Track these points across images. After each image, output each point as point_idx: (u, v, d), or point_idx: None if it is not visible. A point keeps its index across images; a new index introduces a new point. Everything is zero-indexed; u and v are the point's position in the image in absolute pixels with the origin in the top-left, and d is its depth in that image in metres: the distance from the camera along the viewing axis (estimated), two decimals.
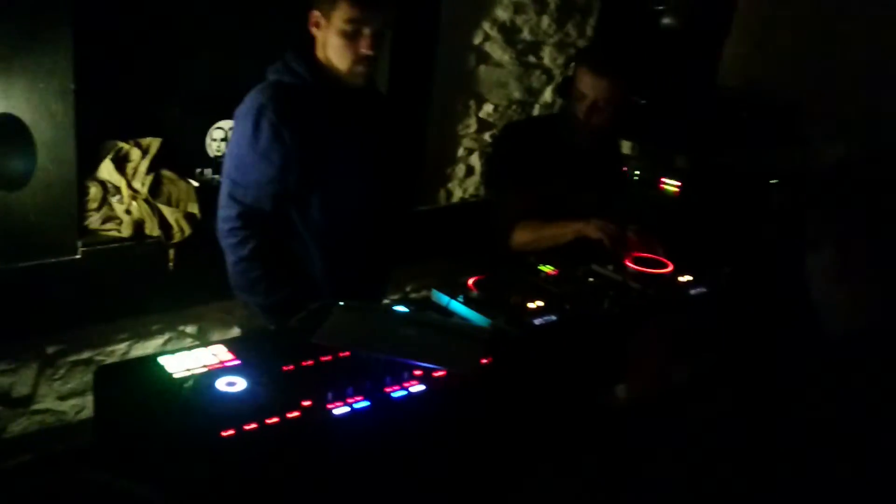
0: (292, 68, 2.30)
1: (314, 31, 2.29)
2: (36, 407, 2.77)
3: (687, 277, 2.61)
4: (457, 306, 2.26)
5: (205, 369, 1.80)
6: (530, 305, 2.27)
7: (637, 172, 3.76)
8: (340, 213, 2.38)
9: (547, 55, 3.83)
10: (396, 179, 2.60)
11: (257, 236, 2.30)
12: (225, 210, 2.32)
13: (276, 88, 2.29)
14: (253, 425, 1.62)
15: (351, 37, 2.22)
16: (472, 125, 3.71)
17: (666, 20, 3.11)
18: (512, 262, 2.66)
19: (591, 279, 2.52)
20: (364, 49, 2.23)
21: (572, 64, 2.86)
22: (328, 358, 1.91)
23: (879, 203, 1.51)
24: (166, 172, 2.81)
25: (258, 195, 2.29)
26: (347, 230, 2.41)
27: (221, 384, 1.73)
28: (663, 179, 3.75)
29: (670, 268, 2.65)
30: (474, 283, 2.34)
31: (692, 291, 2.55)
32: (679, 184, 3.73)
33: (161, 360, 1.82)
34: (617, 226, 2.72)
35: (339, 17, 2.21)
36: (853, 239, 1.51)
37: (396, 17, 2.38)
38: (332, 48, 2.26)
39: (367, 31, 2.21)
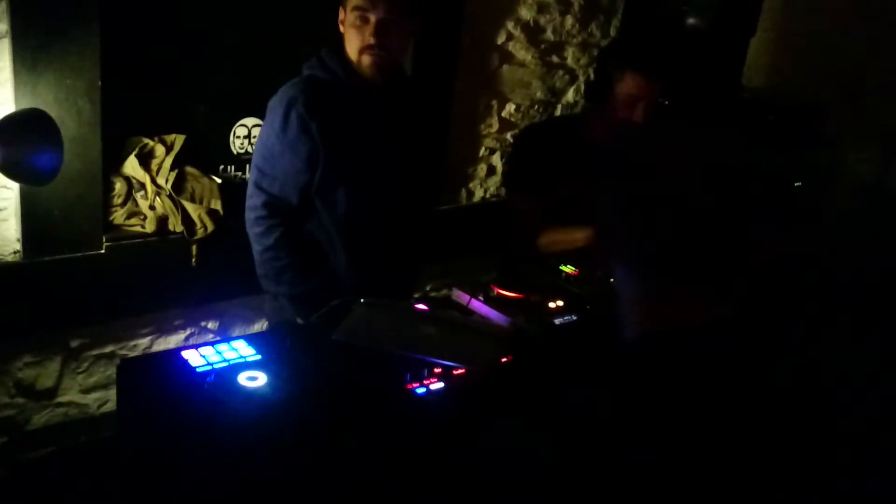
0: (326, 64, 2.32)
1: (341, 28, 2.32)
2: (60, 399, 2.80)
3: None
4: (477, 305, 2.26)
5: (227, 364, 1.81)
6: (551, 305, 2.26)
7: None
8: (366, 208, 2.39)
9: (570, 55, 3.81)
10: (423, 176, 2.60)
11: (283, 226, 2.32)
12: (252, 199, 2.36)
13: (308, 82, 2.33)
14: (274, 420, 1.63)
15: (358, 26, 2.24)
16: (495, 125, 3.71)
17: (691, 20, 3.09)
18: (531, 262, 2.65)
19: (611, 279, 2.51)
20: (368, 36, 2.23)
21: (610, 65, 2.81)
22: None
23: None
24: (190, 169, 2.83)
25: (284, 186, 2.32)
26: (373, 226, 2.42)
27: (242, 379, 1.74)
28: None
29: None
30: (495, 281, 2.34)
31: None
32: None
33: (184, 353, 1.84)
34: None
35: (349, 7, 2.25)
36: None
37: (420, 11, 2.33)
38: (347, 40, 2.29)
39: (372, 18, 2.22)
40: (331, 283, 2.35)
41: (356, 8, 2.23)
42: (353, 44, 2.27)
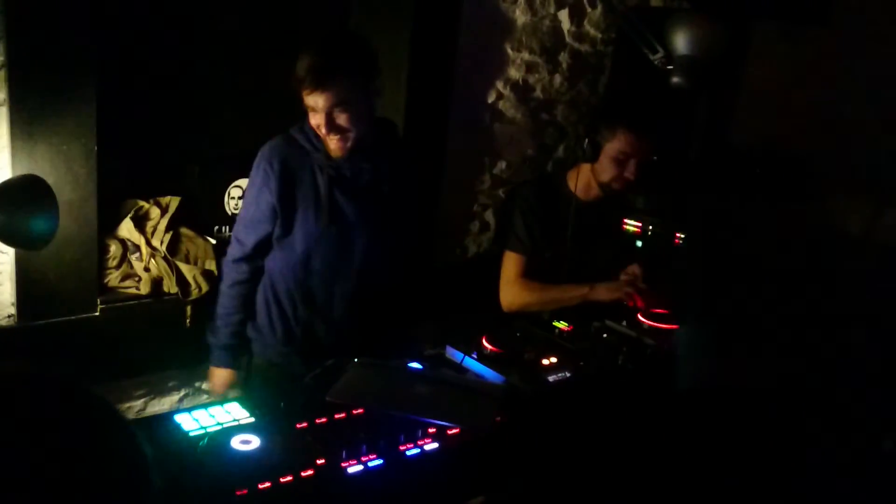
0: (304, 130, 2.39)
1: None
2: None
3: None
4: (471, 363, 2.27)
5: (220, 427, 1.81)
6: (544, 362, 2.27)
7: (651, 227, 3.78)
8: (324, 268, 2.45)
9: (560, 113, 3.88)
10: (398, 241, 2.58)
11: (242, 274, 2.49)
12: (230, 246, 2.55)
13: (284, 141, 2.41)
14: (267, 484, 1.62)
15: (311, 113, 2.29)
16: (487, 181, 3.75)
17: (675, 79, 3.16)
18: (525, 318, 2.67)
19: (605, 335, 2.52)
20: (322, 125, 2.27)
21: (600, 124, 2.86)
22: (342, 415, 1.92)
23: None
24: (185, 230, 2.86)
25: (246, 232, 2.46)
26: (331, 286, 2.47)
27: (236, 442, 1.74)
28: (678, 234, 3.75)
29: None
30: (487, 339, 2.34)
31: None
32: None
33: (177, 417, 1.83)
34: (626, 281, 2.73)
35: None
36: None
37: (371, 79, 2.31)
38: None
39: (320, 109, 2.25)
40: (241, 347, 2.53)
41: (305, 102, 2.27)
42: (312, 124, 2.33)
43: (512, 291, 2.87)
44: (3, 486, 0.69)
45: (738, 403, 1.42)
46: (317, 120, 2.28)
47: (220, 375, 2.55)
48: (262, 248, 2.46)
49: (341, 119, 2.26)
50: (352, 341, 2.46)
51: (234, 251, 2.50)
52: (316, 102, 2.24)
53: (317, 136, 2.36)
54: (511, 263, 2.90)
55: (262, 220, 2.42)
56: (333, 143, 2.32)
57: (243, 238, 2.47)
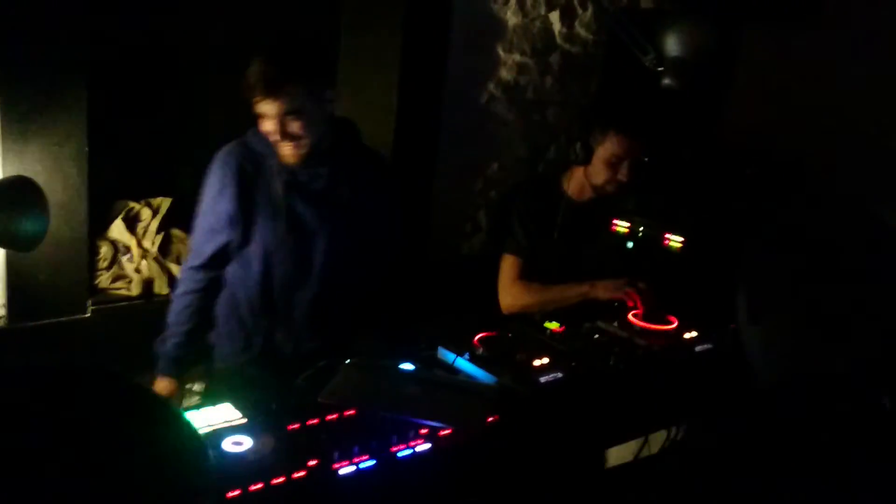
0: (260, 135, 2.30)
1: None
2: None
3: (692, 334, 2.62)
4: (463, 364, 2.27)
5: (211, 428, 1.80)
6: (536, 363, 2.27)
7: (642, 229, 3.78)
8: (280, 277, 2.38)
9: (551, 114, 3.89)
10: (360, 248, 2.48)
11: (196, 283, 2.38)
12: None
13: (240, 147, 2.34)
14: (259, 485, 1.62)
15: (262, 120, 2.22)
16: (479, 182, 3.76)
17: (665, 80, 3.17)
18: (517, 319, 2.67)
19: (596, 336, 2.52)
20: (274, 132, 2.21)
21: (592, 126, 2.87)
22: (334, 416, 1.92)
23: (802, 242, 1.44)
24: (176, 231, 2.85)
25: (203, 241, 2.36)
26: (287, 295, 2.40)
27: (227, 443, 1.73)
28: (667, 235, 3.76)
29: (675, 324, 2.65)
30: (479, 340, 2.35)
31: (697, 348, 2.55)
32: (682, 239, 3.74)
33: None
34: (626, 280, 2.74)
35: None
36: (768, 276, 1.45)
37: (323, 85, 2.25)
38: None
39: (271, 115, 2.19)
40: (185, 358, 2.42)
41: (256, 109, 2.20)
42: (263, 131, 2.25)
43: (511, 294, 2.88)
44: (71, 485, 0.71)
45: (830, 389, 1.40)
46: (268, 127, 2.21)
47: (161, 386, 2.44)
48: (220, 258, 2.37)
49: (293, 126, 2.20)
50: (314, 349, 2.40)
51: (191, 259, 2.40)
52: (267, 110, 2.18)
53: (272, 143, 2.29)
54: (508, 266, 2.90)
55: (220, 230, 2.34)
56: (286, 150, 2.25)
57: (200, 247, 2.37)
